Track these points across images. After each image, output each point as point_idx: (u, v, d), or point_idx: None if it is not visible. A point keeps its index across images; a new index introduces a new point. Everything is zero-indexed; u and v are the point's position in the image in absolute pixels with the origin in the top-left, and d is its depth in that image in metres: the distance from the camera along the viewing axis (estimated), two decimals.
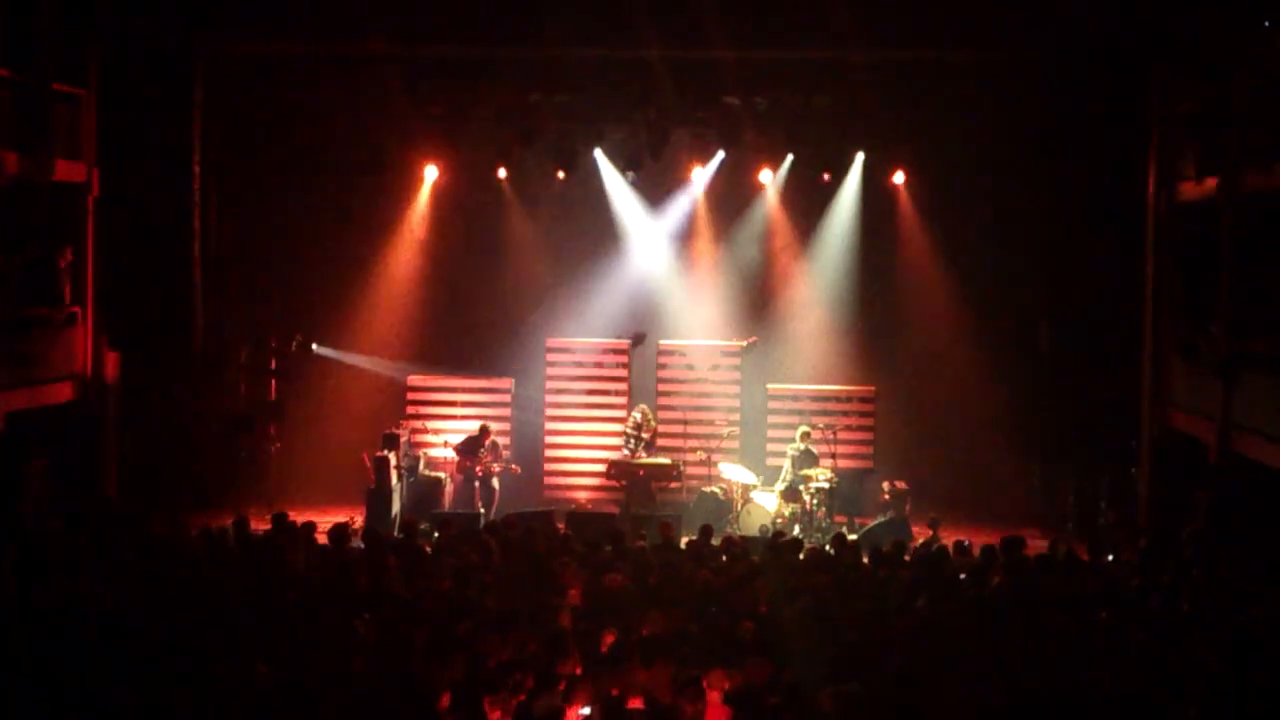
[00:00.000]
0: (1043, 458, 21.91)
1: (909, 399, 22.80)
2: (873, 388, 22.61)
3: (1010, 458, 22.08)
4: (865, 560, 15.10)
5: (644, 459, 21.29)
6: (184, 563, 14.00)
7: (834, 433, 21.06)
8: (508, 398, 22.69)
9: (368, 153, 22.29)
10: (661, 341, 23.07)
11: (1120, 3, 20.07)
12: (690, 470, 21.59)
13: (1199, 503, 18.70)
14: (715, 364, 22.82)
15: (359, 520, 19.42)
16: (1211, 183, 18.75)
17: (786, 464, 20.78)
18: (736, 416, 22.47)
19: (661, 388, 22.84)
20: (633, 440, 21.46)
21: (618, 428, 22.14)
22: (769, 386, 22.73)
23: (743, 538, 17.20)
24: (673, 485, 21.40)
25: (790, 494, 20.33)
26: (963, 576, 14.27)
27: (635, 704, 10.04)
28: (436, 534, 16.66)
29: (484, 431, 21.27)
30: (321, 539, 15.58)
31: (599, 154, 22.97)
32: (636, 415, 21.69)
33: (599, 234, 23.23)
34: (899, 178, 22.81)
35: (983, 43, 20.59)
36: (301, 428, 22.47)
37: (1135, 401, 21.18)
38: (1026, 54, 20.95)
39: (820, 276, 23.24)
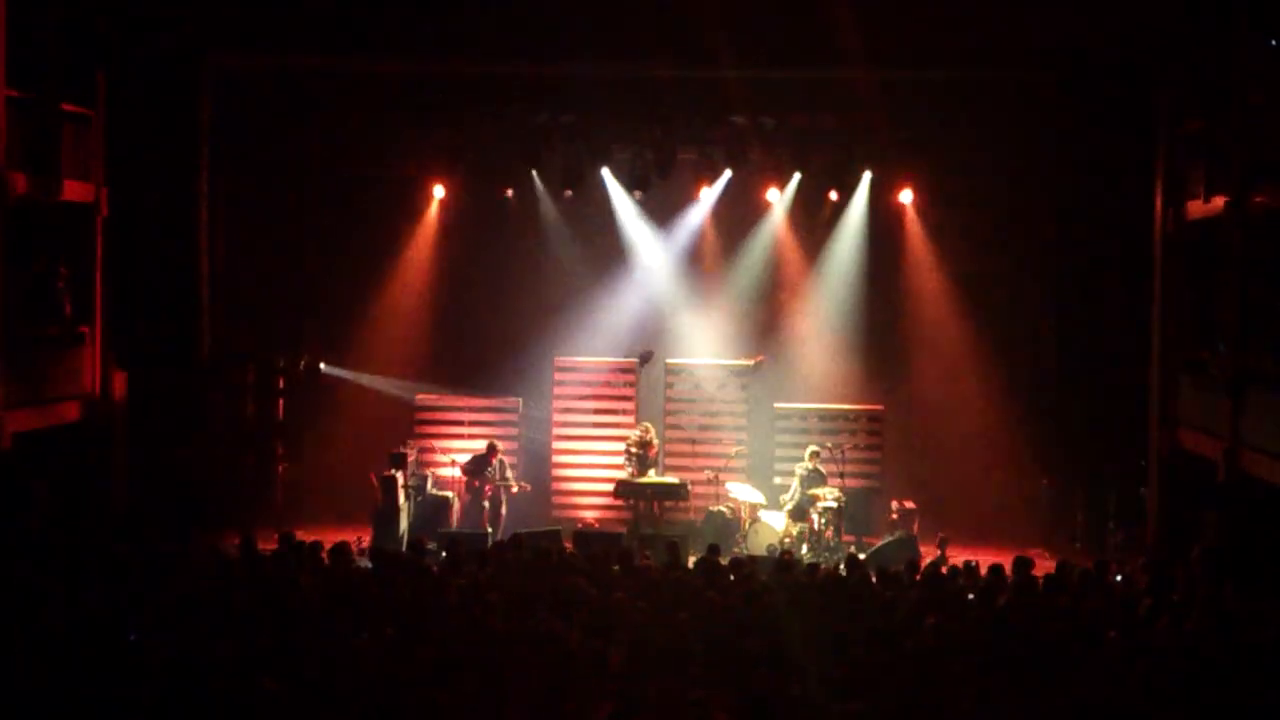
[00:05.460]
0: (1051, 477, 21.86)
1: (917, 418, 22.79)
2: (880, 407, 22.60)
3: (1018, 477, 22.06)
4: (873, 579, 15.06)
5: (650, 478, 21.25)
6: (190, 582, 13.98)
7: (842, 452, 21.04)
8: (515, 417, 22.71)
9: (375, 172, 22.35)
10: (669, 360, 23.06)
11: (1127, 22, 20.07)
12: (698, 489, 21.55)
13: (1207, 522, 18.64)
14: (723, 383, 22.80)
15: (366, 540, 19.42)
16: (1219, 201, 18.71)
17: (795, 483, 20.75)
18: (744, 435, 22.46)
19: (669, 407, 22.83)
20: (635, 458, 21.41)
21: (624, 446, 22.15)
22: (776, 406, 22.70)
23: (750, 557, 17.17)
24: (680, 504, 21.36)
25: (798, 513, 20.29)
26: (971, 596, 14.24)
27: None
28: (444, 553, 16.64)
29: (492, 450, 21.26)
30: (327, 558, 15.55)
31: (606, 173, 23.00)
32: (638, 432, 21.64)
33: (606, 253, 23.26)
34: (906, 196, 22.82)
35: (989, 62, 20.60)
36: (309, 447, 22.51)
37: (1143, 420, 21.13)
38: (1033, 73, 20.97)
39: (827, 295, 23.23)
